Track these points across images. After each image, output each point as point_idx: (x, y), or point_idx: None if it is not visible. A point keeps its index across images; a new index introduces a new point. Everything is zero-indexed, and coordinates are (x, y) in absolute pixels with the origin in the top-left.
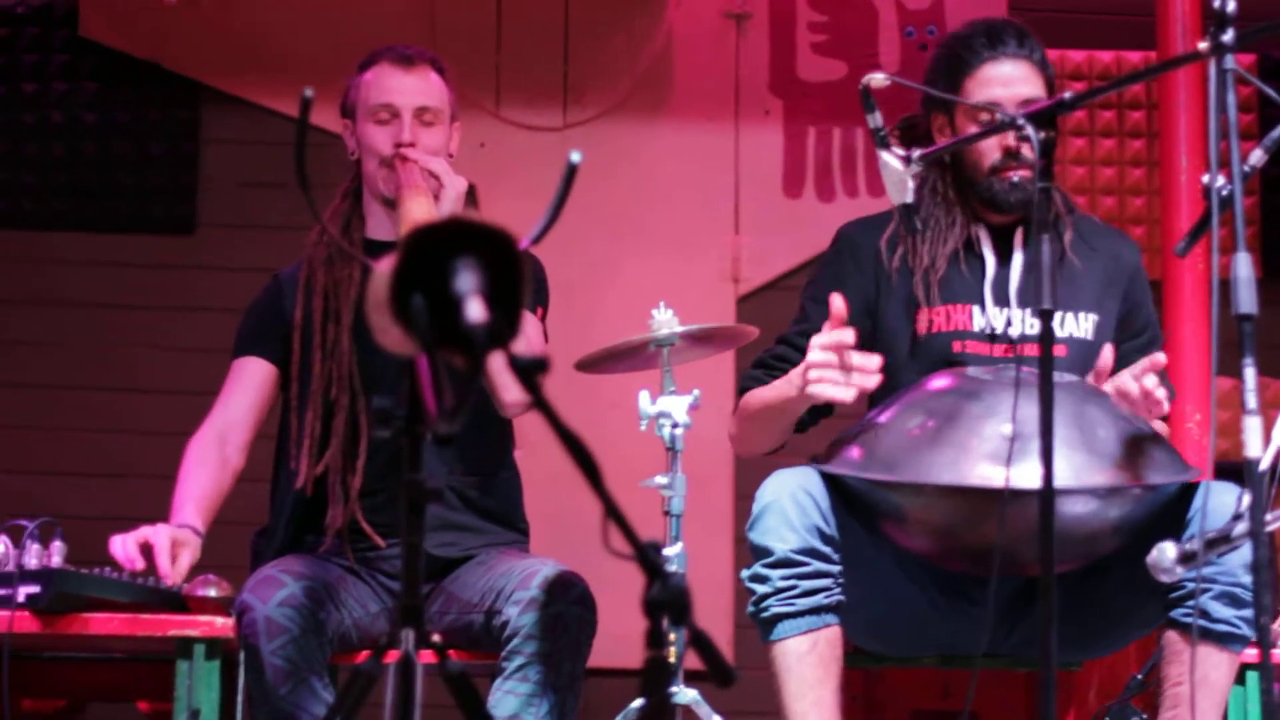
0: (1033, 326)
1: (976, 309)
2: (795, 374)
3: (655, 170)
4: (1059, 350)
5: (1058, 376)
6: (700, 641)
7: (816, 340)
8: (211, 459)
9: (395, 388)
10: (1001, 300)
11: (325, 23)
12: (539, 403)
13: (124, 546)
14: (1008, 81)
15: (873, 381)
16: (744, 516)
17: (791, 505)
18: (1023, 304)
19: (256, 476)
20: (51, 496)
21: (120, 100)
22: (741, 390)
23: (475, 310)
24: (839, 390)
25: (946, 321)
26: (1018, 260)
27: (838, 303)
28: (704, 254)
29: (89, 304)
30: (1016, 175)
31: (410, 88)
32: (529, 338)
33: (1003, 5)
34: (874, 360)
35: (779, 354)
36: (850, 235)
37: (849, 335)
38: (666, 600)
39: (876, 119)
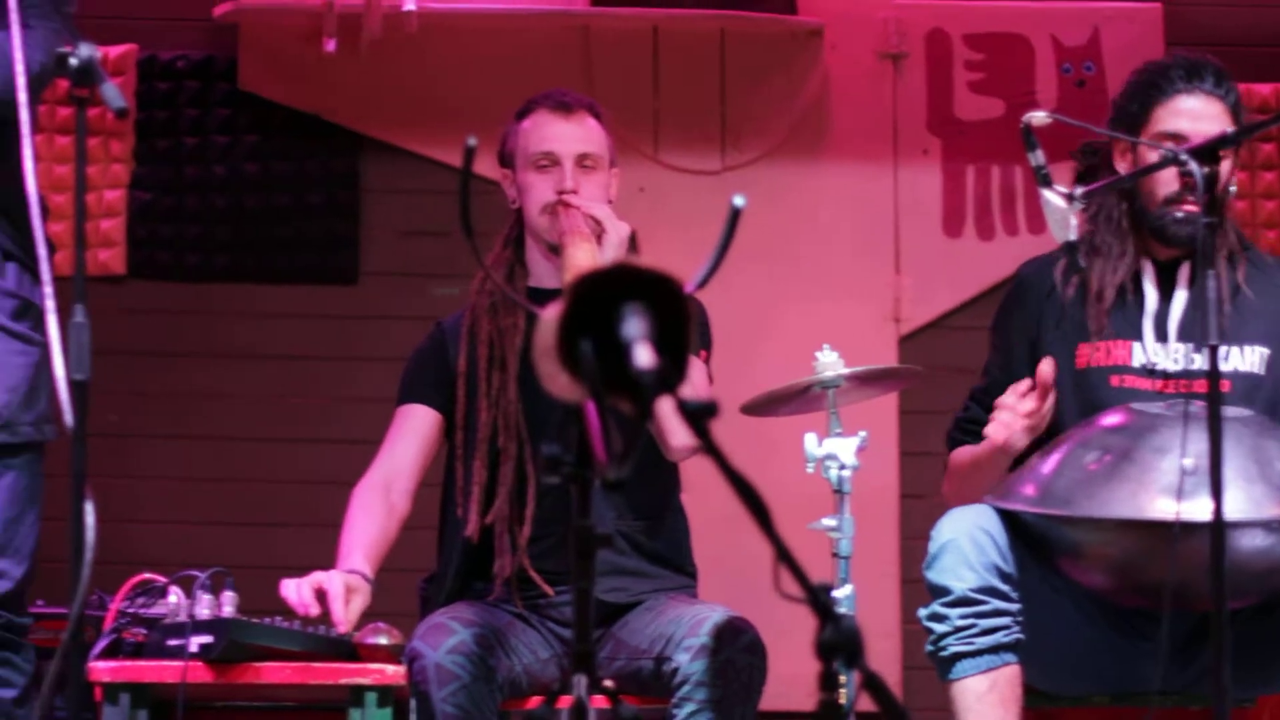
0: (1193, 361)
1: (1136, 345)
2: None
3: (814, 212)
4: (1223, 385)
5: (1233, 411)
6: (873, 684)
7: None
8: (378, 506)
9: (562, 434)
10: (1162, 336)
11: (482, 71)
12: (708, 447)
13: (298, 591)
14: (1196, 116)
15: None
16: (910, 557)
17: (969, 544)
18: (1183, 338)
19: (421, 524)
20: (221, 546)
21: (280, 152)
22: (950, 449)
23: (643, 356)
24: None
25: (1106, 356)
26: (1180, 296)
27: (1046, 369)
28: (865, 294)
29: (252, 355)
30: (1188, 209)
31: (570, 134)
32: (694, 382)
33: (1159, 39)
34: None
35: (973, 416)
36: (1022, 275)
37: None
38: (839, 643)
39: (1038, 157)
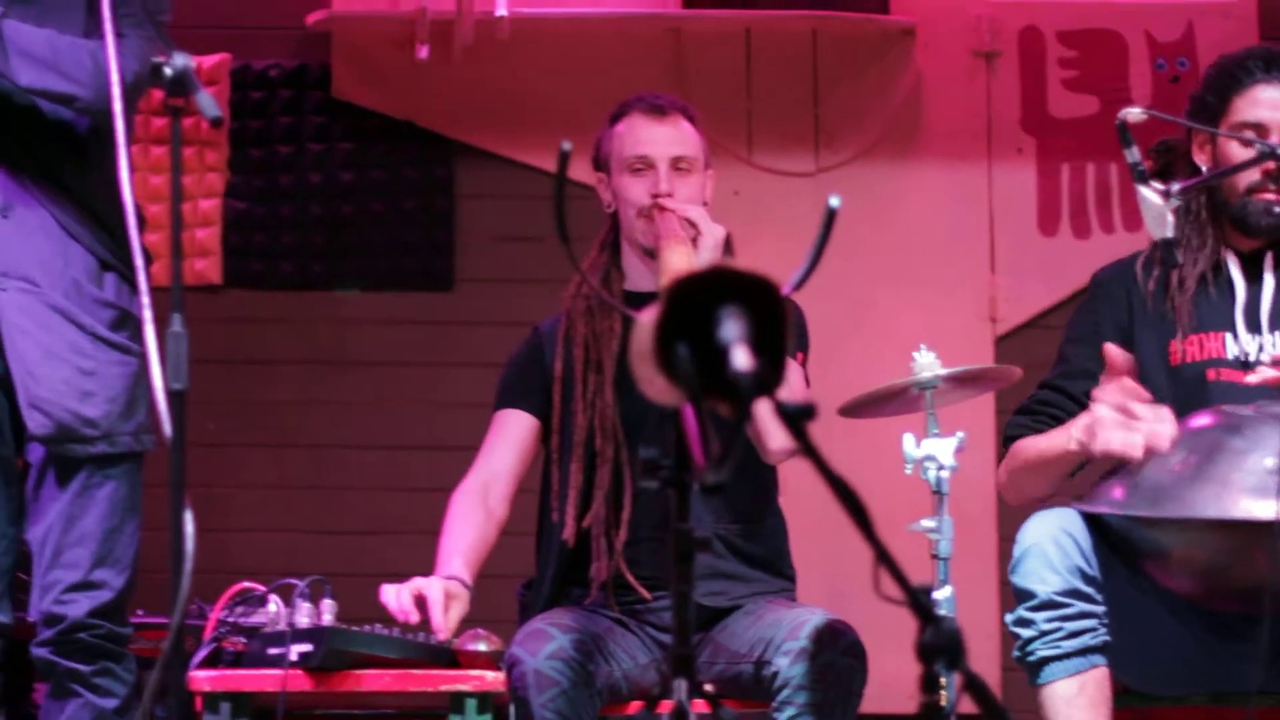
0: None
1: (1229, 336)
2: (1075, 428)
3: (909, 212)
4: None
5: None
6: (974, 685)
7: (1101, 395)
8: (476, 512)
9: (659, 438)
10: (1254, 326)
11: (575, 75)
12: (807, 449)
13: (398, 598)
14: (1276, 105)
15: (1167, 438)
16: (1008, 558)
17: (1053, 547)
18: (1276, 328)
19: (519, 529)
20: (320, 554)
21: (375, 159)
22: (1008, 439)
23: (741, 358)
24: (1130, 447)
25: (1200, 350)
26: (1269, 283)
27: (1114, 352)
28: (960, 294)
29: (348, 362)
30: (1270, 198)
31: (664, 137)
32: (792, 384)
33: (1254, 33)
34: (1165, 412)
35: (1044, 399)
36: (1103, 278)
37: (1135, 389)
38: (941, 645)
39: (1134, 154)
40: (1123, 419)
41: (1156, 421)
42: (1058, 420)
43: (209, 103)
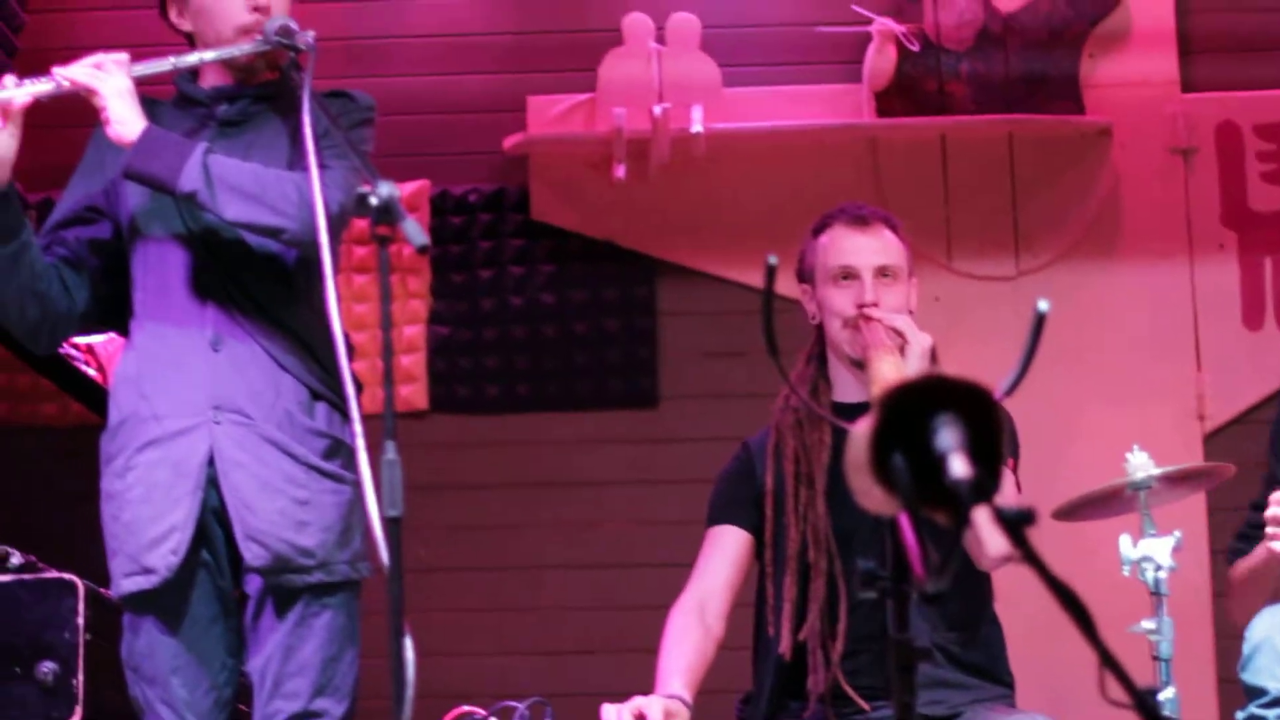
0: None
1: None
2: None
3: (1111, 311)
4: None
5: None
6: None
7: (1273, 498)
8: (693, 629)
9: (872, 548)
10: None
11: (773, 188)
12: (1028, 555)
13: (619, 717)
14: None
15: None
16: (1225, 657)
17: None
18: None
19: (736, 644)
20: (538, 676)
21: (576, 280)
22: (1230, 563)
23: (959, 466)
24: None
25: None
26: None
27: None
28: (1167, 393)
29: (556, 483)
30: None
31: (868, 247)
32: (1005, 490)
33: None
34: None
35: (1254, 521)
36: None
37: None
38: None
39: None
40: None
41: None
42: None
43: (416, 231)
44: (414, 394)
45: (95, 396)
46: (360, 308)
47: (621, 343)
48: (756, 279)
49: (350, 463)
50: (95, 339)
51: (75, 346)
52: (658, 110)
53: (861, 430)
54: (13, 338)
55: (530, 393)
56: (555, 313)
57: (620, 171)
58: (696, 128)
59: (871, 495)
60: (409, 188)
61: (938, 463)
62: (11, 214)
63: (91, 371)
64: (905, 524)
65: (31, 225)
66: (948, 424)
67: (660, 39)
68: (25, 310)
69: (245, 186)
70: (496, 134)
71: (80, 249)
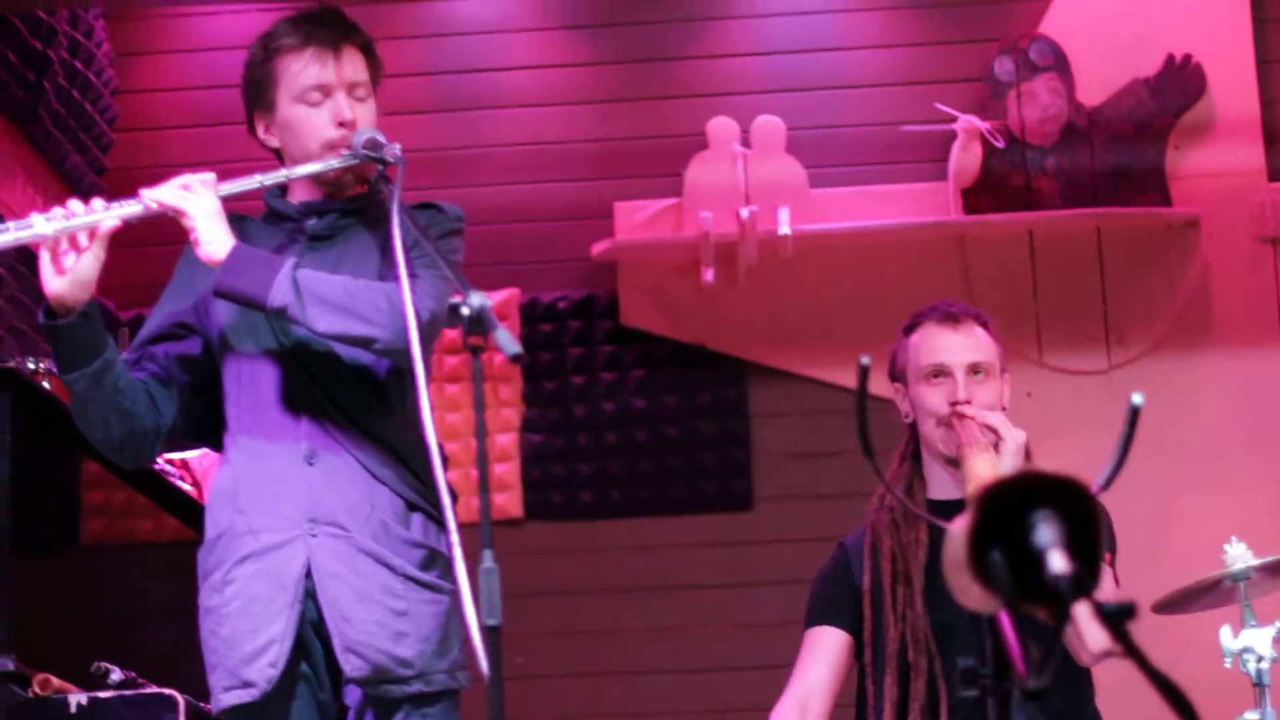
0: None
1: None
2: None
3: (1204, 402)
4: None
5: None
6: None
7: None
8: None
9: (972, 646)
10: None
11: (861, 288)
12: (1130, 649)
13: None
14: None
15: None
16: None
17: None
18: None
19: None
20: None
21: (667, 384)
22: None
23: (1058, 562)
24: None
25: None
26: None
27: None
28: (1262, 481)
29: (654, 588)
30: None
31: (959, 345)
32: (1104, 585)
33: None
34: None
35: None
36: None
37: None
38: None
39: None
40: None
41: None
42: None
43: (508, 340)
44: (509, 502)
45: (191, 512)
46: (453, 417)
47: (714, 446)
48: (847, 379)
49: (447, 572)
50: (190, 454)
51: (170, 462)
52: (744, 213)
53: (959, 528)
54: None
55: (624, 498)
56: (647, 417)
57: (709, 275)
58: (784, 229)
59: (971, 593)
60: (499, 296)
61: (1036, 559)
62: (95, 332)
63: (187, 487)
64: (1005, 621)
65: (123, 343)
66: (1045, 520)
67: (745, 142)
68: (110, 426)
69: (335, 299)
70: (584, 240)
71: (169, 364)
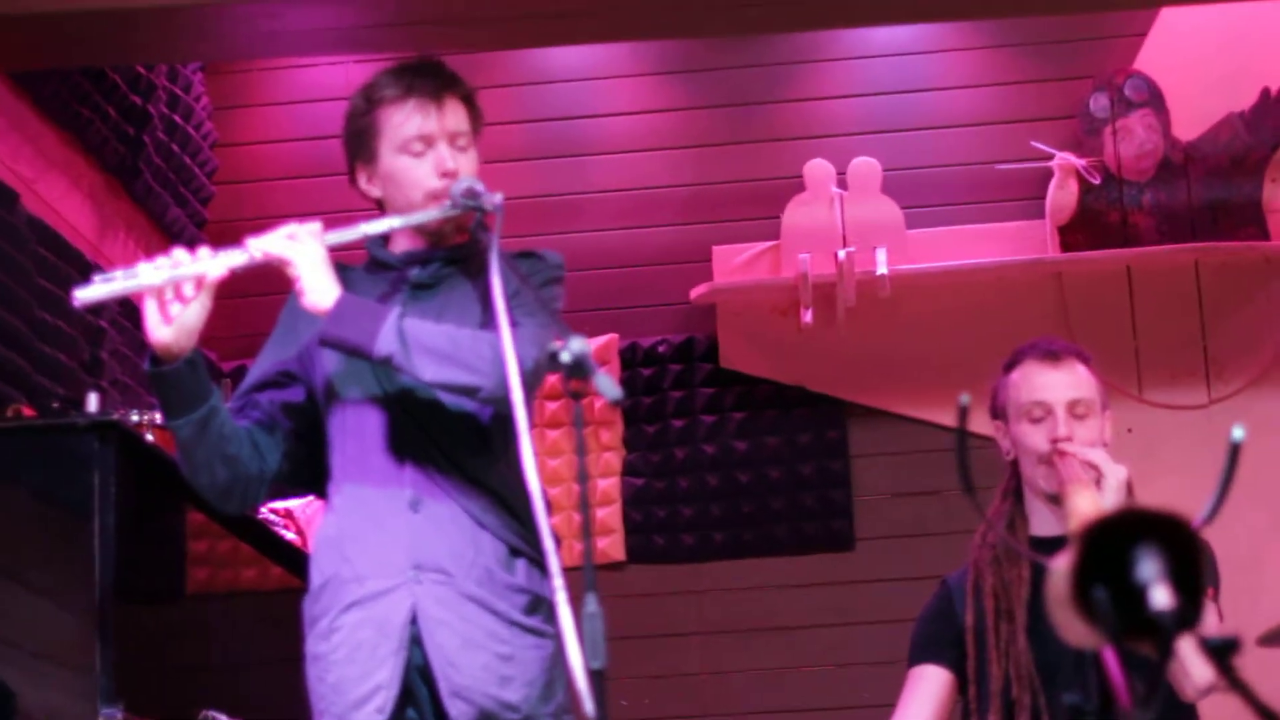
0: None
1: None
2: None
3: None
4: None
5: None
6: None
7: None
8: None
9: (1076, 682)
10: None
11: (960, 326)
12: (1235, 683)
13: None
14: None
15: None
16: None
17: None
18: None
19: None
20: None
21: (768, 426)
22: None
23: (1162, 597)
24: None
25: None
26: None
27: None
28: None
29: (757, 629)
30: None
31: (1060, 383)
32: (1207, 619)
33: None
34: None
35: None
36: None
37: None
38: None
39: None
40: None
41: None
42: None
43: (609, 384)
44: (611, 546)
45: (295, 560)
46: (554, 462)
47: (815, 486)
48: (946, 417)
49: (550, 617)
50: (293, 503)
51: (274, 511)
52: (842, 254)
53: (1062, 565)
54: (211, 505)
55: (726, 540)
56: (748, 459)
57: (808, 316)
58: (881, 270)
59: (1074, 629)
60: (598, 341)
61: (1139, 594)
62: (199, 380)
63: (290, 535)
64: (1109, 657)
65: (225, 393)
66: (1148, 555)
67: (842, 184)
68: (215, 473)
69: (440, 347)
70: (683, 284)
71: (274, 411)
